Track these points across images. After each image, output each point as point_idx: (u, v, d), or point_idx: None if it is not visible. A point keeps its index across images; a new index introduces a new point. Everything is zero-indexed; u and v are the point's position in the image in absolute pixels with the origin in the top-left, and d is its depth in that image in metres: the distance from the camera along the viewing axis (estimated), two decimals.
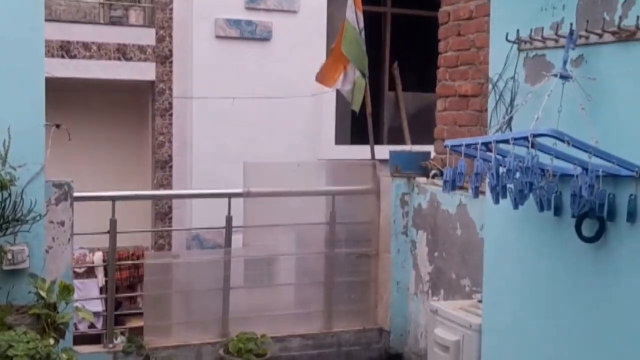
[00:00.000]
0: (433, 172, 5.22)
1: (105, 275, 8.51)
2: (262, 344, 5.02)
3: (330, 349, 5.49)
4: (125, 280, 9.24)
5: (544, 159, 2.75)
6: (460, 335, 3.95)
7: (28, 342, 3.41)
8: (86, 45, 8.97)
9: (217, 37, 9.13)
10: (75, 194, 4.48)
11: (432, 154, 5.49)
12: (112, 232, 5.01)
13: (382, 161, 5.89)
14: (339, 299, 5.70)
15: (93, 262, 9.03)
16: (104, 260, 8.56)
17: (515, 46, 3.25)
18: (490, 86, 3.39)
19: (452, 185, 2.95)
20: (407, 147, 6.97)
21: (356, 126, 9.10)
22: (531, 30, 3.16)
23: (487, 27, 3.79)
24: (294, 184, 5.61)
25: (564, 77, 2.89)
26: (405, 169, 5.43)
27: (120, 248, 8.30)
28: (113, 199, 5.07)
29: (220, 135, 9.06)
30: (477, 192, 3.01)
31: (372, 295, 5.67)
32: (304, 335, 5.45)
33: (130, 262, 8.97)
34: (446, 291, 4.93)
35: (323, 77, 6.69)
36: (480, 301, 3.89)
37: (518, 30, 3.21)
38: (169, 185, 9.21)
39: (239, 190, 5.39)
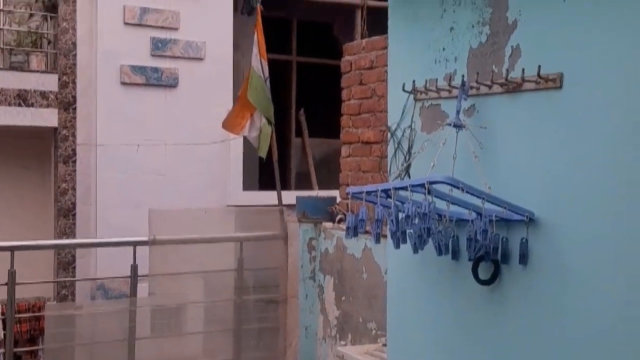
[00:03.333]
0: (339, 217, 5.31)
1: (4, 328, 8.16)
2: None
3: None
4: (25, 333, 8.86)
5: (441, 204, 2.86)
6: None
7: None
8: None
9: (123, 83, 9.05)
10: None
11: (338, 199, 5.59)
12: (11, 283, 4.85)
13: (291, 206, 5.94)
14: (247, 346, 5.67)
15: None
16: (2, 313, 8.22)
17: (412, 96, 3.38)
18: (389, 135, 3.51)
19: (354, 231, 3.02)
20: (315, 193, 7.06)
21: (264, 172, 9.16)
22: (426, 81, 3.30)
23: (386, 77, 3.93)
24: (201, 231, 5.58)
25: (458, 126, 3.03)
26: (312, 214, 5.50)
27: (20, 299, 7.98)
28: (12, 249, 4.93)
29: (126, 182, 8.94)
30: (379, 238, 3.08)
31: (281, 341, 5.66)
32: None
33: (30, 314, 8.64)
34: (353, 335, 4.98)
35: (229, 124, 6.73)
36: (385, 345, 3.96)
37: (414, 81, 3.34)
38: (72, 234, 8.96)
39: (145, 238, 5.32)
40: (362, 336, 4.87)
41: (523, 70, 2.86)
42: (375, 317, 4.73)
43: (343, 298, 5.14)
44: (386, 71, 3.84)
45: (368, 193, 2.95)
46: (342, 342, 5.04)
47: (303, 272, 5.50)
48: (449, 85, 3.16)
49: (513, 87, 2.92)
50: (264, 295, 5.74)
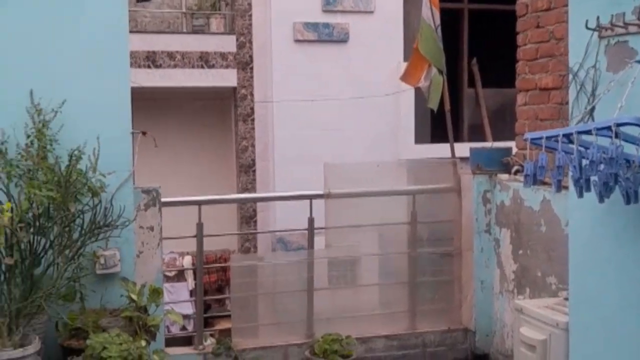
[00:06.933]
0: (515, 168, 5.12)
1: (195, 278, 8.74)
2: (347, 345, 5.03)
3: (415, 350, 5.45)
4: (213, 283, 9.47)
5: (629, 149, 2.67)
6: (547, 334, 3.86)
7: (121, 344, 3.53)
8: (171, 55, 9.25)
9: (296, 40, 9.26)
10: (163, 199, 4.57)
11: (514, 150, 5.39)
12: (199, 236, 5.11)
13: (463, 159, 5.82)
14: (422, 299, 5.65)
15: (183, 266, 9.29)
16: (192, 264, 8.80)
17: (596, 34, 3.16)
18: (570, 77, 3.31)
19: (533, 179, 2.90)
20: (488, 144, 6.87)
21: (436, 125, 9.04)
22: (612, 16, 3.07)
23: (566, 18, 3.70)
24: (375, 184, 5.60)
25: None
26: (487, 166, 5.35)
27: (208, 252, 8.51)
28: (199, 203, 5.16)
29: (301, 137, 9.19)
30: (560, 187, 2.94)
31: (456, 295, 5.60)
32: (389, 336, 5.43)
33: (217, 265, 9.19)
34: (532, 289, 4.82)
35: (407, 76, 6.71)
36: (566, 299, 3.80)
37: (598, 17, 3.12)
38: (253, 189, 9.38)
39: (320, 192, 5.42)
40: (541, 290, 4.71)
41: None
42: (555, 271, 4.55)
43: (520, 251, 4.98)
44: (566, 12, 3.62)
45: (548, 138, 2.82)
46: (520, 296, 4.90)
47: (478, 225, 5.39)
48: (638, 19, 2.91)
49: None
50: (437, 248, 5.69)
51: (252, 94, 9.33)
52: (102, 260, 4.08)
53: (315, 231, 5.46)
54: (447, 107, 6.49)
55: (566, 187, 3.44)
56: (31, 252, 3.53)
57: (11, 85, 3.97)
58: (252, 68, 9.30)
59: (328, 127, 9.24)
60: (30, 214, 3.56)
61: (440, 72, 6.30)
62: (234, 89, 9.41)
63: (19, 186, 3.77)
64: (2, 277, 3.45)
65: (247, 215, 9.43)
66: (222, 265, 8.99)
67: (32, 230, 3.54)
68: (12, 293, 3.44)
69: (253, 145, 9.36)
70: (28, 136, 3.90)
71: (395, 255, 5.79)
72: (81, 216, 3.83)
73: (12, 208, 3.45)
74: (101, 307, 4.07)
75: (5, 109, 3.94)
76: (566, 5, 4.13)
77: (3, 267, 3.43)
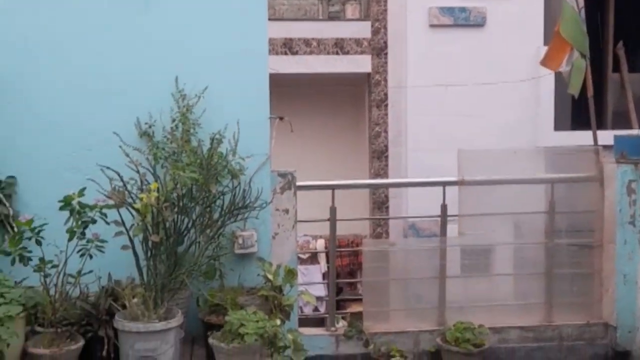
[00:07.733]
0: None
1: (327, 261, 8.90)
2: (479, 334, 4.97)
3: (551, 343, 5.30)
4: (345, 266, 9.61)
5: None
6: None
7: (257, 321, 3.65)
8: (307, 42, 9.41)
9: (431, 25, 9.15)
10: (298, 183, 4.65)
11: None
12: (332, 219, 5.19)
13: (606, 147, 5.57)
14: (559, 291, 5.47)
15: (316, 249, 9.47)
16: (325, 247, 8.96)
17: None
18: None
19: None
20: (634, 132, 6.52)
21: (577, 111, 8.69)
22: None
23: None
24: (511, 172, 5.47)
25: None
26: (632, 155, 5.10)
27: (340, 236, 8.62)
28: (333, 187, 5.25)
29: (435, 123, 9.09)
30: None
31: (595, 288, 5.39)
32: (523, 327, 5.30)
33: (349, 249, 9.31)
34: None
35: (548, 60, 6.48)
36: None
37: None
38: (385, 175, 9.41)
39: (454, 179, 5.36)
40: None
41: None
42: None
43: None
44: None
45: None
46: None
47: (621, 217, 5.15)
48: None
49: None
50: (576, 239, 5.48)
51: (385, 80, 9.34)
52: (240, 240, 4.24)
53: (448, 218, 5.41)
54: (590, 92, 6.22)
55: None
56: (175, 231, 3.71)
57: (158, 72, 4.18)
58: (386, 54, 9.30)
59: (463, 113, 9.08)
60: (175, 194, 3.74)
61: (583, 56, 6.04)
62: (368, 74, 9.45)
63: (164, 167, 3.99)
64: (149, 254, 3.65)
65: (379, 201, 9.47)
66: (354, 249, 9.08)
67: (176, 209, 3.72)
68: (158, 269, 3.64)
69: (386, 131, 9.38)
70: (173, 120, 4.12)
71: (532, 246, 5.64)
72: (221, 197, 4.00)
73: (158, 188, 3.64)
74: (239, 285, 4.23)
75: (152, 95, 4.16)
76: None
77: (150, 244, 3.63)
